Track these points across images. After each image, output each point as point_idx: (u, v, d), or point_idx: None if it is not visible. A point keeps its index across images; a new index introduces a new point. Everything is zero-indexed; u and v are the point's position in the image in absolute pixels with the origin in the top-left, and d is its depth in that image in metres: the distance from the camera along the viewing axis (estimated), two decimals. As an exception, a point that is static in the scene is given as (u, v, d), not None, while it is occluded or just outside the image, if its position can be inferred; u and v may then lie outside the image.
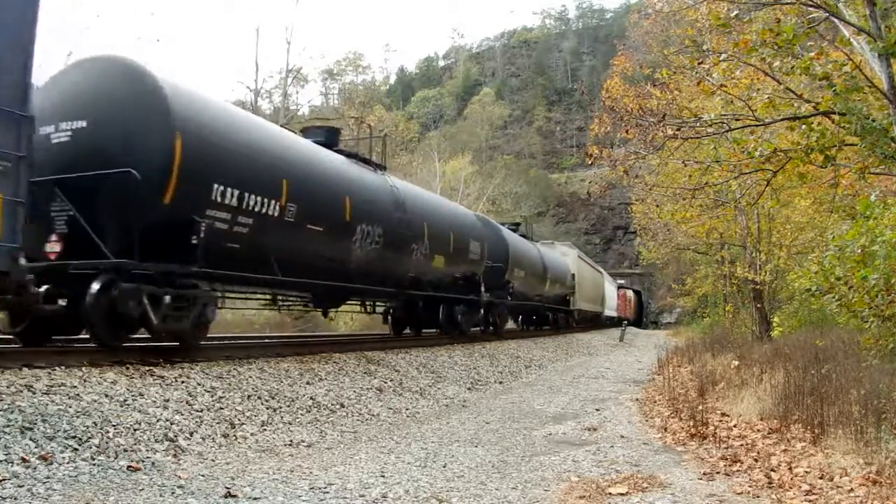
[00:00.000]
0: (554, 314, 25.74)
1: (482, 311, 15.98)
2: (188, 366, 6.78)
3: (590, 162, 11.24)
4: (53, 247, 6.59)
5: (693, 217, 14.90)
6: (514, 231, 21.05)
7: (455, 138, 68.94)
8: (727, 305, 22.23)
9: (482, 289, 14.93)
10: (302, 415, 6.62)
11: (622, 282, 53.01)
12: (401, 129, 40.85)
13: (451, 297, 13.92)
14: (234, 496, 3.97)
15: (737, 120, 7.61)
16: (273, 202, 8.06)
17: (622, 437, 6.50)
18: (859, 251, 6.88)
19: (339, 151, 10.73)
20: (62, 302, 5.93)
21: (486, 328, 17.37)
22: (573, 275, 27.25)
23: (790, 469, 4.76)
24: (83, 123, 6.80)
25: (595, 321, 37.51)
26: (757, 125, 7.31)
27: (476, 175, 50.65)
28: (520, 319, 24.40)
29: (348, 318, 21.05)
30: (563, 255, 27.67)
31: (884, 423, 5.05)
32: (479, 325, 16.77)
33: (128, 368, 6.10)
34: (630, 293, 54.30)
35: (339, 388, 7.86)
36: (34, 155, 5.38)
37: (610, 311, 42.87)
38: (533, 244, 22.27)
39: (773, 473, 4.67)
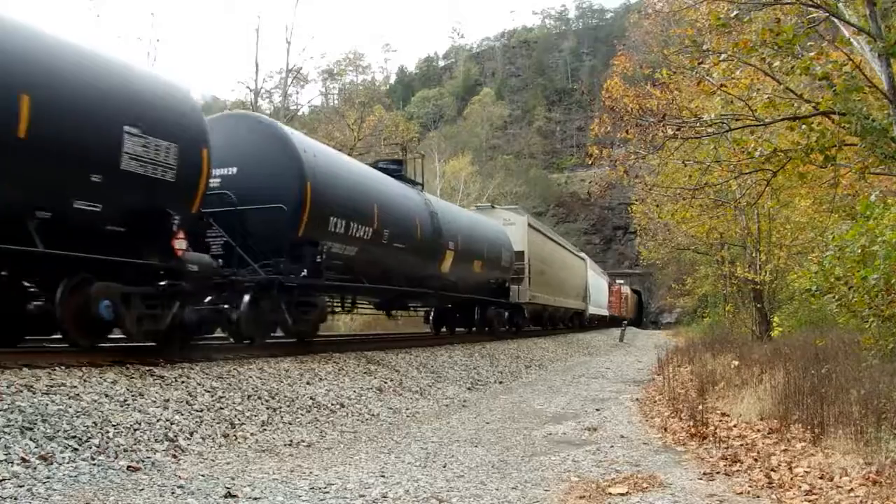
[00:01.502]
0: (482, 311, 16.45)
1: (227, 300, 8.01)
2: (188, 366, 6.78)
3: (590, 162, 11.25)
4: None
5: (693, 217, 14.92)
6: (394, 173, 12.69)
7: (455, 138, 69.06)
8: (727, 305, 22.22)
9: (177, 249, 6.90)
10: (302, 415, 6.62)
11: (621, 281, 51.78)
12: (401, 129, 40.82)
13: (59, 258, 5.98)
14: (234, 496, 3.97)
15: (737, 120, 7.62)
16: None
17: (622, 436, 6.50)
18: (859, 251, 6.88)
19: None
20: None
21: (242, 337, 8.54)
22: (520, 253, 18.78)
23: (790, 469, 4.76)
24: None
25: (574, 321, 30.15)
26: (757, 125, 7.32)
27: (476, 175, 50.77)
28: (430, 318, 17.06)
29: (348, 318, 20.52)
30: (506, 223, 18.92)
31: (884, 423, 5.05)
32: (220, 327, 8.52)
33: (128, 368, 6.09)
34: (626, 290, 51.86)
35: (339, 388, 7.86)
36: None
37: (598, 308, 35.30)
38: (420, 193, 13.32)
39: (773, 473, 4.67)
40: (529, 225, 20.67)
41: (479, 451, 5.68)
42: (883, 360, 7.08)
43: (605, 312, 38.81)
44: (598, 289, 36.57)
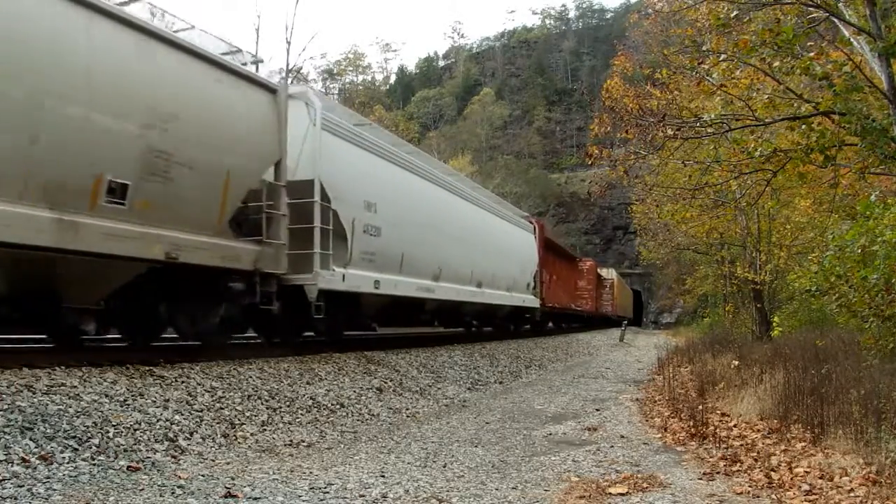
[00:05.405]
0: None
1: None
2: (188, 366, 6.78)
3: (590, 162, 11.24)
4: None
5: (693, 217, 14.89)
6: None
7: (455, 138, 69.12)
8: (727, 305, 22.21)
9: None
10: (302, 415, 6.62)
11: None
12: (401, 128, 40.85)
13: None
14: (234, 496, 3.97)
15: (737, 120, 7.61)
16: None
17: (622, 437, 6.50)
18: (859, 251, 6.88)
19: None
20: None
21: None
22: None
23: (790, 469, 4.76)
24: None
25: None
26: (757, 125, 7.31)
27: (476, 175, 50.75)
28: None
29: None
30: None
31: (884, 423, 5.04)
32: None
33: (128, 368, 6.10)
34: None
35: (339, 388, 7.85)
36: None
37: (500, 290, 16.69)
38: None
39: (773, 473, 4.67)
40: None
41: (479, 452, 5.68)
42: (883, 360, 7.08)
43: (533, 303, 19.82)
44: (487, 245, 15.90)
